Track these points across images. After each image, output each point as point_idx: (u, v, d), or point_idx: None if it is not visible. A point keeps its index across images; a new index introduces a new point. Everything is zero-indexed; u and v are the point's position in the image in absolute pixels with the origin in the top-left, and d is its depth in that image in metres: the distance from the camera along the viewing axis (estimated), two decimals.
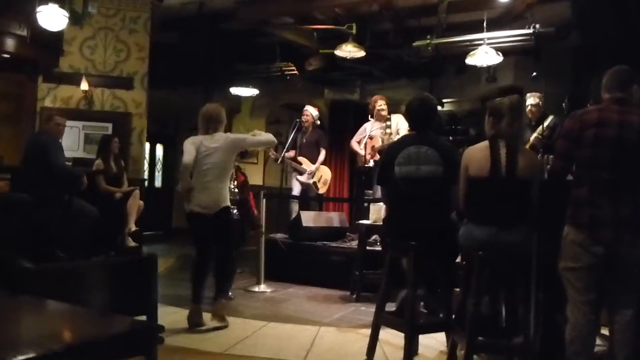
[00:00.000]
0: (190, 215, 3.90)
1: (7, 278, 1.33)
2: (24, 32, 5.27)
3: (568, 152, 2.63)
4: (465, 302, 2.94)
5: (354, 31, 6.05)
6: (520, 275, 2.87)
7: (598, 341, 3.15)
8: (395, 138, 5.43)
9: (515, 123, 2.97)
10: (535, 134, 4.91)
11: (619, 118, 2.52)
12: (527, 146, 4.84)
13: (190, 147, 3.88)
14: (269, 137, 4.11)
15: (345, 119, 9.03)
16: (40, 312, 1.03)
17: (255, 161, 9.06)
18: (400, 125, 5.52)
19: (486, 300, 3.08)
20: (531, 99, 5.08)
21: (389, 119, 5.67)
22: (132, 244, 5.67)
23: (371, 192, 5.81)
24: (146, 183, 7.45)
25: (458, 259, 3.42)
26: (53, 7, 5.09)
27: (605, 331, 3.06)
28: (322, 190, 6.46)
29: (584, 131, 2.54)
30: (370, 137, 5.73)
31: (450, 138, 7.52)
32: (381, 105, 5.78)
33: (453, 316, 3.11)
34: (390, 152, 3.27)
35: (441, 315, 3.31)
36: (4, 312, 1.03)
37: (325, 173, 6.54)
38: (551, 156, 3.45)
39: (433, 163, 3.09)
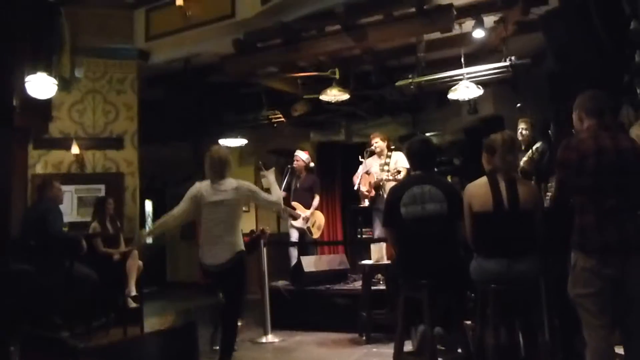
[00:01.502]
0: (205, 269, 3.80)
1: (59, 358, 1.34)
2: (14, 102, 5.29)
3: (568, 181, 2.71)
4: (483, 335, 2.97)
5: (337, 76, 6.23)
6: (535, 303, 2.93)
7: None
8: (391, 173, 5.55)
9: (508, 156, 3.08)
10: (525, 158, 5.04)
11: (613, 144, 2.63)
12: (519, 170, 4.97)
13: (186, 201, 3.81)
14: (279, 197, 3.92)
15: (332, 160, 9.16)
16: None
17: (247, 209, 9.06)
18: (399, 163, 5.63)
19: (503, 331, 3.11)
20: (522, 124, 5.26)
21: (389, 156, 5.79)
22: (133, 304, 5.58)
23: (370, 229, 5.87)
24: None
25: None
26: (42, 76, 5.15)
27: (619, 350, 3.10)
28: (315, 235, 6.49)
29: (584, 160, 2.62)
30: (368, 173, 5.84)
31: (436, 169, 7.69)
32: (374, 143, 5.91)
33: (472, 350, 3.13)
34: (394, 193, 3.35)
35: (459, 350, 3.32)
36: None
37: (319, 218, 6.59)
38: (549, 184, 3.56)
39: (437, 201, 3.18)
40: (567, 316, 2.82)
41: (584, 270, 2.61)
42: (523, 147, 5.15)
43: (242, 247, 3.79)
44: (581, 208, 2.66)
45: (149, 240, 3.99)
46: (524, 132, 5.23)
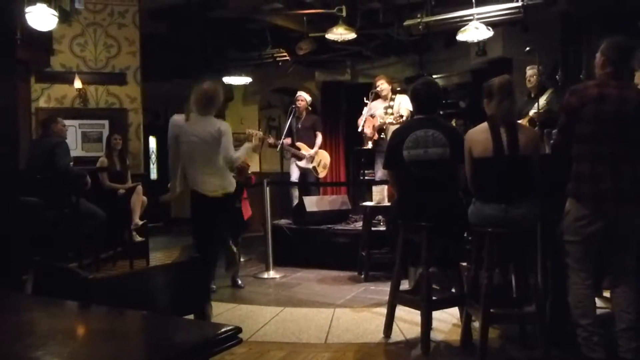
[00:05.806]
0: (198, 199, 3.65)
1: (68, 289, 1.40)
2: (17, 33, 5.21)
3: (569, 126, 2.72)
4: (478, 276, 3.06)
5: (344, 14, 6.06)
6: (530, 246, 3.00)
7: (602, 303, 3.32)
8: (394, 117, 5.52)
9: (505, 102, 3.01)
10: (533, 110, 4.98)
11: (618, 93, 2.61)
12: (526, 120, 4.94)
13: (171, 141, 3.62)
14: (236, 158, 3.67)
15: (337, 100, 9.09)
16: (127, 322, 1.10)
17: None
18: (402, 105, 5.59)
19: (497, 273, 3.20)
20: (530, 71, 5.16)
21: (393, 99, 5.75)
22: (138, 238, 5.74)
23: (372, 171, 5.91)
24: None
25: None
26: (42, 7, 5.04)
27: (608, 294, 3.21)
28: (322, 174, 6.55)
29: (585, 107, 2.62)
30: (372, 116, 5.82)
31: (441, 112, 7.64)
32: (379, 85, 5.85)
33: (465, 290, 3.24)
34: (397, 136, 3.34)
35: (454, 290, 3.43)
36: (101, 327, 1.09)
37: (324, 157, 6.62)
38: (553, 130, 3.53)
39: (440, 145, 3.18)
40: (559, 260, 2.90)
41: (575, 219, 2.66)
42: (532, 95, 5.08)
43: (233, 187, 3.75)
44: (578, 155, 2.68)
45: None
46: (531, 79, 5.14)
